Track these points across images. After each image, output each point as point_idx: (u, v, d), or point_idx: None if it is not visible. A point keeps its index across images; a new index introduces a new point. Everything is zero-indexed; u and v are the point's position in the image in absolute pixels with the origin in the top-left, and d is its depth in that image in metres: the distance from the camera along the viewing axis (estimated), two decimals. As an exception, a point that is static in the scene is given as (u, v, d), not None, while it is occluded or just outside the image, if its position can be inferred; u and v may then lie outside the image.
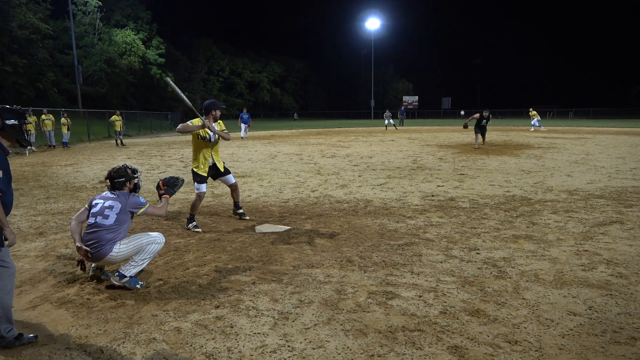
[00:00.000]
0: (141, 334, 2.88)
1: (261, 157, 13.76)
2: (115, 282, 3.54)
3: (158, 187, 4.09)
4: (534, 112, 29.64)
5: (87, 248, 3.46)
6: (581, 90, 73.99)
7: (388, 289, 3.54)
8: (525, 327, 2.93)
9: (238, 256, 4.35)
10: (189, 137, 5.54)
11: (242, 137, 23.23)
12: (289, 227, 5.37)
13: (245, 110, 24.66)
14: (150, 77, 56.90)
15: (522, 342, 2.75)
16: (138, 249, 3.59)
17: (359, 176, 9.43)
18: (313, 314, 3.12)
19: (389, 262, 4.14)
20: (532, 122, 29.55)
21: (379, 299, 3.36)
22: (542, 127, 29.79)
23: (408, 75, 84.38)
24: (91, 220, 3.57)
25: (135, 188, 3.82)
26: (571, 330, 2.90)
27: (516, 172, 9.76)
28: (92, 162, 13.36)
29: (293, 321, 3.02)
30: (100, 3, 48.36)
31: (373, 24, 64.63)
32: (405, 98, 77.92)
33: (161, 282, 3.73)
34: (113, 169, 3.78)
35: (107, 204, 3.60)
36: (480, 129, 15.80)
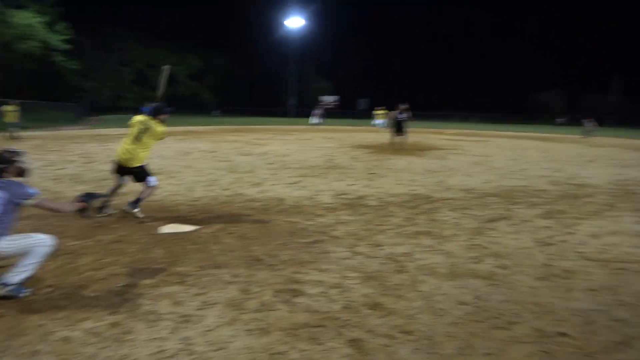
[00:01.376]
0: (24, 346, 2.66)
1: (174, 154, 13.23)
2: None
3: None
4: (380, 112, 28.93)
5: None
6: (484, 96, 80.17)
7: (294, 287, 3.59)
8: (419, 318, 3.14)
9: (139, 259, 4.16)
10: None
11: None
12: (197, 227, 5.24)
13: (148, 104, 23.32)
14: (53, 64, 52.16)
15: (415, 332, 2.94)
16: (23, 250, 3.28)
17: (274, 174, 9.44)
18: (216, 316, 3.08)
19: (297, 260, 4.21)
20: (375, 122, 29.07)
21: (284, 297, 3.41)
22: (383, 126, 27.54)
23: (329, 75, 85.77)
24: None
25: (21, 173, 3.47)
26: (459, 318, 3.15)
27: (422, 172, 10.35)
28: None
29: (195, 324, 2.96)
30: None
31: (296, 22, 64.88)
32: (325, 97, 79.21)
33: (51, 288, 3.46)
34: None
35: None
36: (395, 125, 16.18)
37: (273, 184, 8.26)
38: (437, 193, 7.75)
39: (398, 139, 16.19)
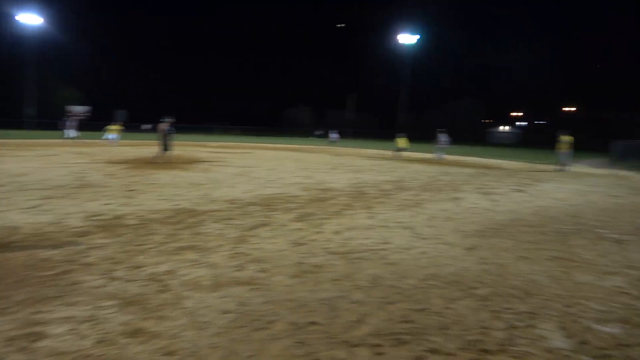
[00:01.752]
0: None
1: None
2: None
3: None
4: (114, 127, 28.46)
5: None
6: (244, 110, 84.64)
7: (34, 330, 3.06)
8: (183, 335, 3.07)
9: None
10: None
11: None
12: None
13: None
14: None
15: (179, 351, 2.87)
16: None
17: (5, 199, 7.85)
18: None
19: (37, 298, 3.60)
20: (108, 136, 28.32)
21: (19, 344, 2.87)
22: (116, 141, 27.84)
23: (78, 84, 76.14)
24: None
25: None
26: (223, 327, 3.22)
27: (186, 186, 10.21)
28: None
29: None
30: None
31: (31, 19, 54.71)
32: (74, 107, 70.00)
33: None
34: None
35: None
36: (163, 138, 15.67)
37: (3, 210, 6.86)
38: (201, 206, 7.76)
39: (166, 153, 15.74)
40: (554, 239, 6.32)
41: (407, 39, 64.55)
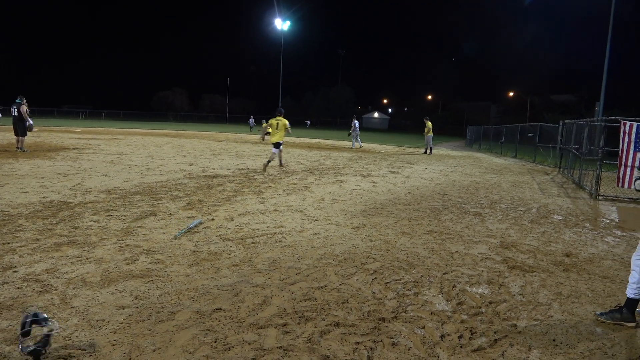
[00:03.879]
0: None
1: None
2: None
3: None
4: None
5: None
6: (113, 94, 77.67)
7: None
8: (77, 336, 2.85)
9: None
10: None
11: None
12: None
13: None
14: None
15: (75, 353, 2.66)
16: None
17: None
18: None
19: None
20: None
21: None
22: None
23: None
24: None
25: None
26: (121, 323, 3.05)
27: (52, 176, 9.18)
28: None
29: None
30: None
31: None
32: None
33: None
34: None
35: None
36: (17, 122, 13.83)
37: None
38: (75, 198, 7.08)
39: (20, 138, 13.83)
40: (428, 215, 7.05)
41: (281, 24, 65.24)
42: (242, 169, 11.72)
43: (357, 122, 23.08)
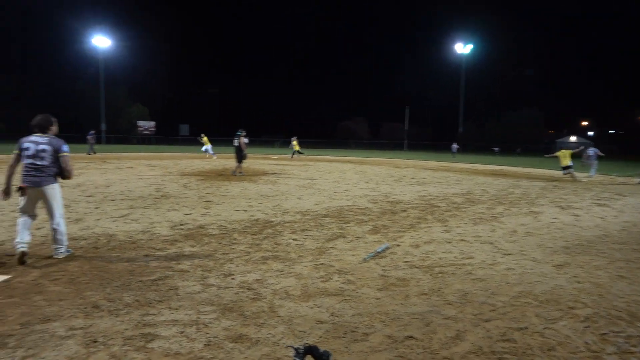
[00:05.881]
0: None
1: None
2: None
3: None
4: (205, 139, 30.16)
5: None
6: (301, 122, 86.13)
7: (146, 331, 3.26)
8: (284, 343, 3.15)
9: None
10: None
11: None
12: (8, 276, 4.36)
13: None
14: None
15: (283, 359, 2.94)
16: None
17: (96, 208, 8.45)
18: (55, 379, 2.60)
19: (144, 301, 3.83)
20: (205, 148, 30.02)
21: (136, 344, 3.06)
22: (214, 155, 30.04)
23: (143, 100, 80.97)
24: None
25: None
26: (320, 337, 3.27)
27: (257, 197, 10.50)
28: None
29: (28, 394, 2.45)
30: None
31: (101, 41, 59.31)
32: (141, 123, 74.38)
33: None
34: None
35: None
36: (237, 151, 16.40)
37: (97, 219, 7.38)
38: (275, 217, 7.95)
39: (238, 164, 16.45)
40: (652, 257, 5.88)
41: (461, 48, 63.64)
42: (424, 196, 11.60)
43: (594, 150, 19.67)
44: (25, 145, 4.83)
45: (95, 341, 3.07)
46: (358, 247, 5.92)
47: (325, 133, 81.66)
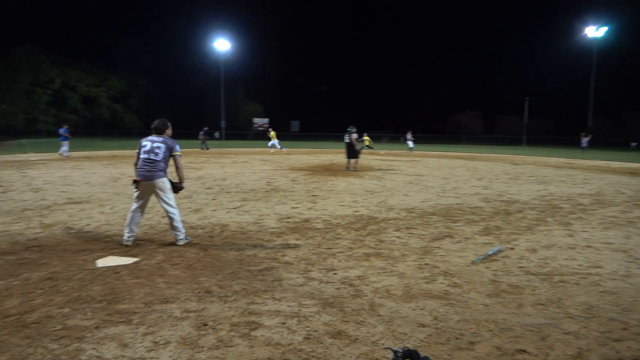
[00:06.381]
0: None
1: (101, 180, 12.43)
2: None
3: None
4: (273, 133, 30.81)
5: None
6: (409, 117, 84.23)
7: (250, 319, 3.41)
8: (383, 344, 3.07)
9: (76, 297, 3.77)
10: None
11: (66, 156, 21.69)
12: (137, 259, 4.88)
13: (66, 127, 22.62)
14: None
15: (381, 359, 2.87)
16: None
17: (213, 199, 9.12)
18: (170, 356, 2.82)
19: (250, 290, 4.02)
20: (271, 143, 30.55)
21: (241, 330, 3.21)
22: (284, 149, 31.01)
23: (258, 98, 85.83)
24: None
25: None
26: (422, 341, 3.12)
27: (362, 193, 10.49)
28: None
29: (147, 368, 2.69)
30: None
31: (222, 45, 64.28)
32: (256, 120, 78.99)
33: (-29, 338, 3.02)
34: None
35: None
36: (349, 147, 16.73)
37: (214, 210, 7.96)
38: (380, 213, 7.86)
39: (352, 161, 16.82)
40: None
41: (593, 32, 56.95)
42: (544, 195, 10.61)
43: None
44: (144, 143, 5.47)
45: (205, 324, 3.29)
46: (466, 249, 5.60)
47: (435, 128, 78.75)
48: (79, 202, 8.59)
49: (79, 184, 11.56)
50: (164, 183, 5.41)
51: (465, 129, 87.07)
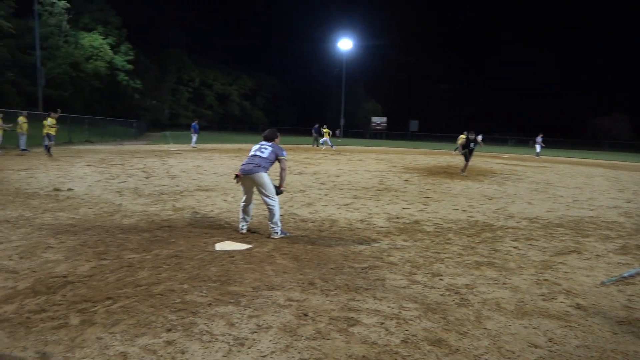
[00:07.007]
0: (83, 359, 2.66)
1: (227, 170, 13.51)
2: None
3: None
4: (327, 130, 30.36)
5: None
6: (541, 120, 77.18)
7: (350, 315, 3.43)
8: (486, 359, 2.88)
9: (195, 275, 4.15)
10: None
11: (193, 147, 24.61)
12: (250, 246, 5.21)
13: (196, 121, 26.64)
14: (117, 83, 55.66)
15: (483, 375, 2.68)
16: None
17: (326, 195, 9.36)
18: (270, 341, 2.97)
19: (352, 286, 4.04)
20: (322, 141, 30.45)
21: (340, 325, 3.25)
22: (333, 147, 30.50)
23: (377, 96, 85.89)
24: None
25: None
26: (532, 363, 2.86)
27: (479, 198, 9.92)
28: (49, 168, 12.75)
29: (249, 348, 2.86)
30: (68, 5, 47.22)
31: (345, 44, 65.43)
32: (374, 119, 79.15)
33: (110, 300, 3.49)
34: None
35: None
36: (469, 153, 15.69)
37: (325, 205, 8.16)
38: (497, 221, 7.36)
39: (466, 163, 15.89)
40: None
41: None
42: None
43: None
44: (254, 147, 5.91)
45: (306, 315, 3.39)
46: (596, 267, 4.98)
47: (570, 131, 71.13)
48: (206, 190, 9.44)
49: (208, 173, 12.70)
50: (262, 178, 5.55)
51: (607, 133, 77.45)
